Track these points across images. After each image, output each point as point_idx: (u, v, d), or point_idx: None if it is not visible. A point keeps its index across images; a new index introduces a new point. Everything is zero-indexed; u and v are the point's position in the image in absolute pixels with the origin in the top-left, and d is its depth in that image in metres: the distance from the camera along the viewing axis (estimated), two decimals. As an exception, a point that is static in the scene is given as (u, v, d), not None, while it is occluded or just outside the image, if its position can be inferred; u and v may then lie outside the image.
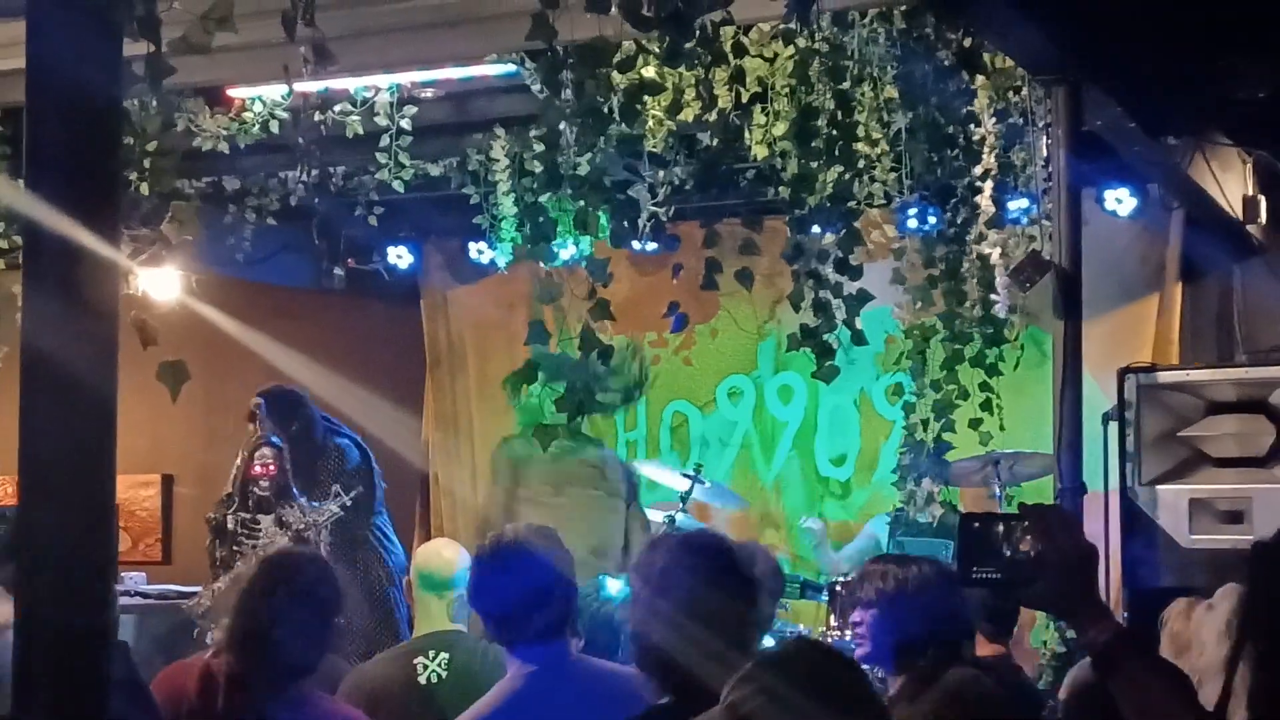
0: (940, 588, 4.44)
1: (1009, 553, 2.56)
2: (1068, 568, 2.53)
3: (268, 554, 4.69)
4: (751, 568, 3.63)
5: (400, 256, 9.89)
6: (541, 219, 4.75)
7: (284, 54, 4.77)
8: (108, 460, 2.77)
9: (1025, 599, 2.71)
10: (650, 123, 6.40)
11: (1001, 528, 2.58)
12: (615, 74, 5.13)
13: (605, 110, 4.92)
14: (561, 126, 5.09)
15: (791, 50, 6.05)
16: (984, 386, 6.51)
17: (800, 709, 2.64)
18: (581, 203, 5.03)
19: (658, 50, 5.32)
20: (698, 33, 4.56)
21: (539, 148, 6.17)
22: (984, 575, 2.59)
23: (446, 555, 5.77)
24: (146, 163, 4.62)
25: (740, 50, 5.80)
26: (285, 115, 7.25)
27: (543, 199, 5.64)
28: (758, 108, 6.48)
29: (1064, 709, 4.38)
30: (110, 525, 2.78)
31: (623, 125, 5.06)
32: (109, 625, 2.76)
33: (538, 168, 6.75)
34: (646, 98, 6.16)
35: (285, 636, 4.21)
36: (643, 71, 6.09)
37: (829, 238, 5.67)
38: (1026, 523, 2.57)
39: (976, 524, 2.61)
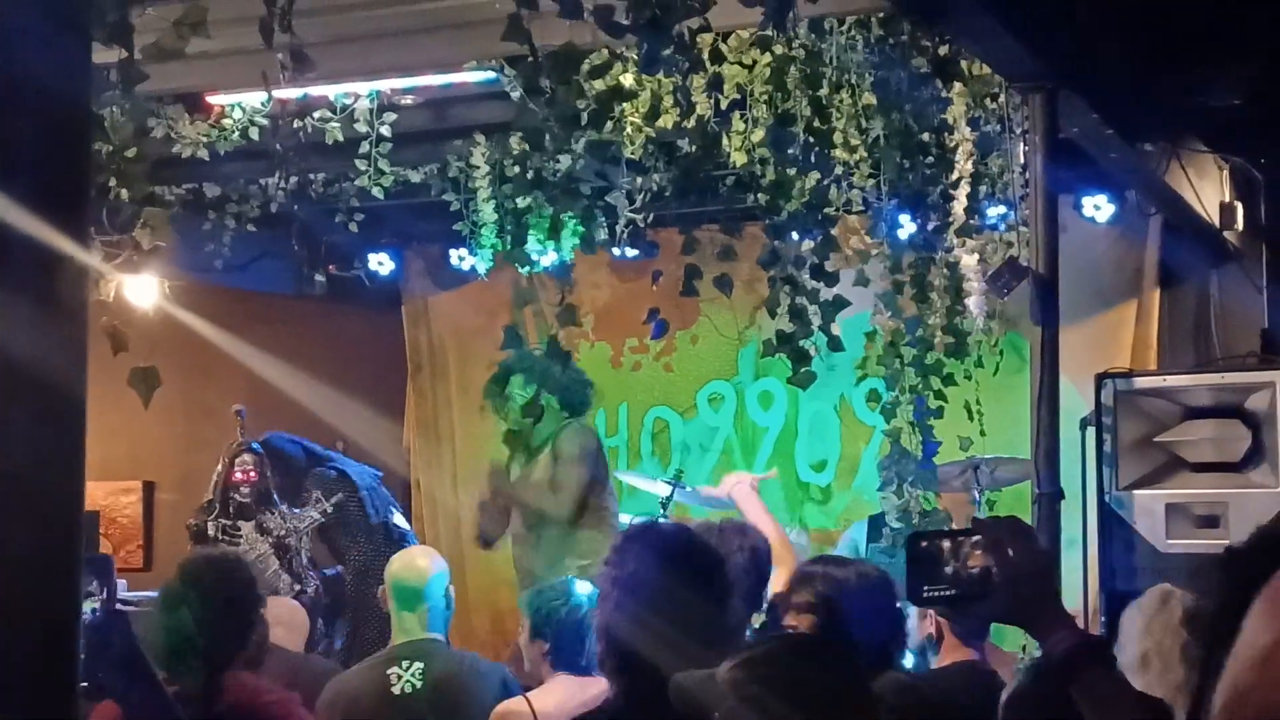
0: (877, 592, 4.46)
1: (960, 569, 2.55)
2: (1023, 579, 2.53)
3: (181, 561, 4.81)
4: (723, 556, 3.61)
5: (381, 263, 9.92)
6: (520, 222, 4.74)
7: (263, 61, 4.78)
8: (77, 464, 2.74)
9: (982, 612, 2.69)
10: (629, 129, 6.42)
11: (950, 544, 2.56)
12: (589, 80, 5.14)
13: (579, 116, 4.94)
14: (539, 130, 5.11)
15: (769, 58, 6.06)
16: (938, 395, 6.51)
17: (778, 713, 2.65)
18: (554, 208, 5.04)
19: (635, 57, 5.35)
20: (674, 40, 4.57)
21: (517, 151, 6.20)
22: (936, 593, 2.58)
23: (420, 565, 5.75)
24: (122, 167, 4.61)
25: (718, 57, 5.81)
26: (265, 122, 7.25)
27: (520, 203, 5.64)
28: (736, 114, 6.51)
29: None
30: (79, 529, 2.75)
31: (594, 131, 5.07)
32: (77, 629, 2.74)
33: (514, 173, 6.79)
34: (625, 104, 6.19)
35: (203, 636, 4.37)
36: (621, 78, 6.13)
37: (806, 244, 5.69)
38: (978, 537, 2.55)
39: (924, 543, 2.59)
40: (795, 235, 5.73)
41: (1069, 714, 2.53)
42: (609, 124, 5.78)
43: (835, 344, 5.63)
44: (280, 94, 6.20)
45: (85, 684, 3.64)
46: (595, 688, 5.21)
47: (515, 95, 6.30)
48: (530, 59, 4.70)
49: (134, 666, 3.91)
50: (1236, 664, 1.08)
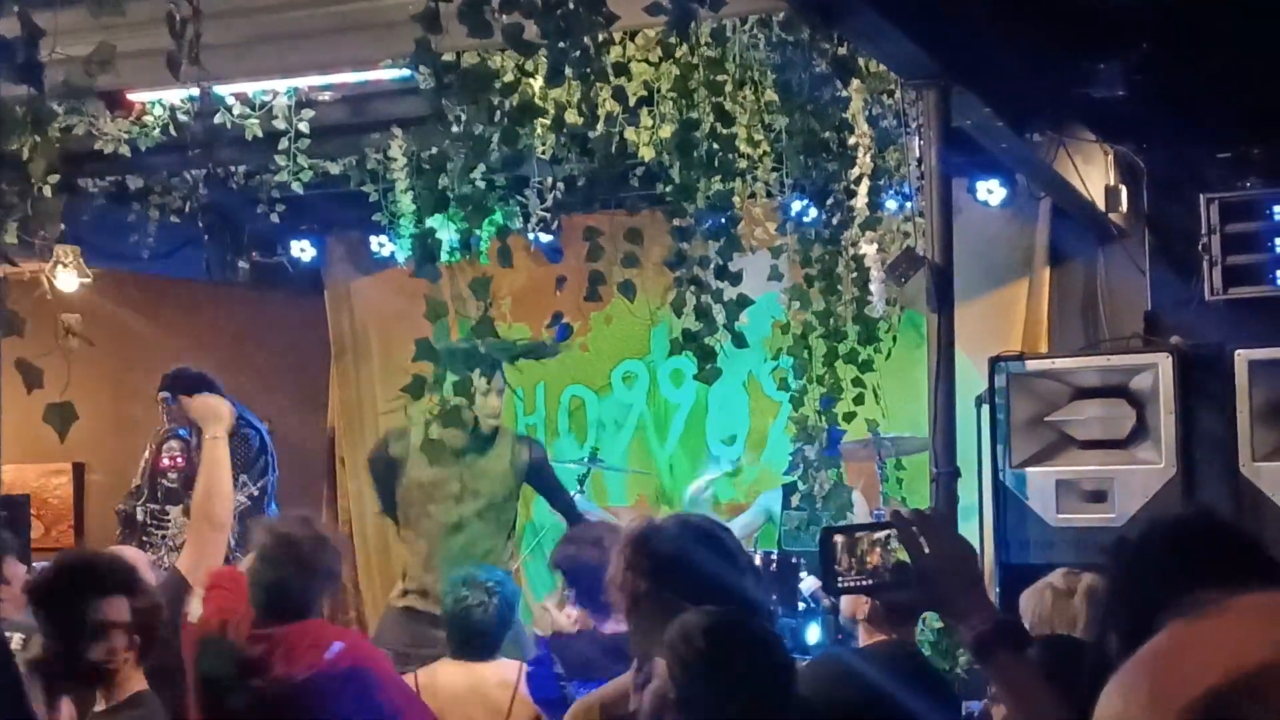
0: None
1: (874, 561, 2.66)
2: (938, 569, 2.63)
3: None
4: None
5: (304, 250, 10.03)
6: (429, 241, 4.85)
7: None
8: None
9: (898, 600, 2.84)
10: (539, 130, 6.58)
11: (863, 537, 2.67)
12: (500, 97, 5.25)
13: (488, 133, 5.02)
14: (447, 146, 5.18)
15: (673, 65, 6.21)
16: (857, 382, 6.75)
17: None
18: (465, 224, 5.15)
19: (542, 62, 5.45)
20: (580, 54, 4.70)
21: (426, 170, 6.31)
22: (851, 584, 2.69)
23: None
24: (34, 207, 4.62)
25: (622, 70, 5.97)
26: (185, 119, 7.38)
27: (429, 221, 5.73)
28: (644, 110, 6.68)
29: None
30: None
31: (505, 146, 5.18)
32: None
33: (423, 192, 6.92)
34: (532, 93, 6.32)
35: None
36: (530, 81, 6.27)
37: (710, 245, 5.83)
38: (891, 530, 2.65)
39: (837, 536, 2.70)
40: (700, 236, 5.84)
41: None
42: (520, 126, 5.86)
43: (739, 341, 5.78)
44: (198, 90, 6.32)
45: None
46: (486, 670, 5.52)
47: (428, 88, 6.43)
48: (436, 77, 4.83)
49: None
50: None
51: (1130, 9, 6.80)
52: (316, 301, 10.68)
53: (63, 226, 4.28)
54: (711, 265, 5.71)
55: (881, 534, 2.68)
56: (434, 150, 5.36)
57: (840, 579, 2.70)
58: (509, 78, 5.84)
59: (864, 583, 2.70)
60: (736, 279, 5.71)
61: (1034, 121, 7.05)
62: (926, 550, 2.63)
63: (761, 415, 9.63)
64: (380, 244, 9.43)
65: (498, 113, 5.08)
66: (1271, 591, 1.15)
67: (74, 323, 3.69)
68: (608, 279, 5.40)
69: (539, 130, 6.57)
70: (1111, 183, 7.85)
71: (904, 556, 2.65)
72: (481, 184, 5.19)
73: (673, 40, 6.08)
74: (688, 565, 3.57)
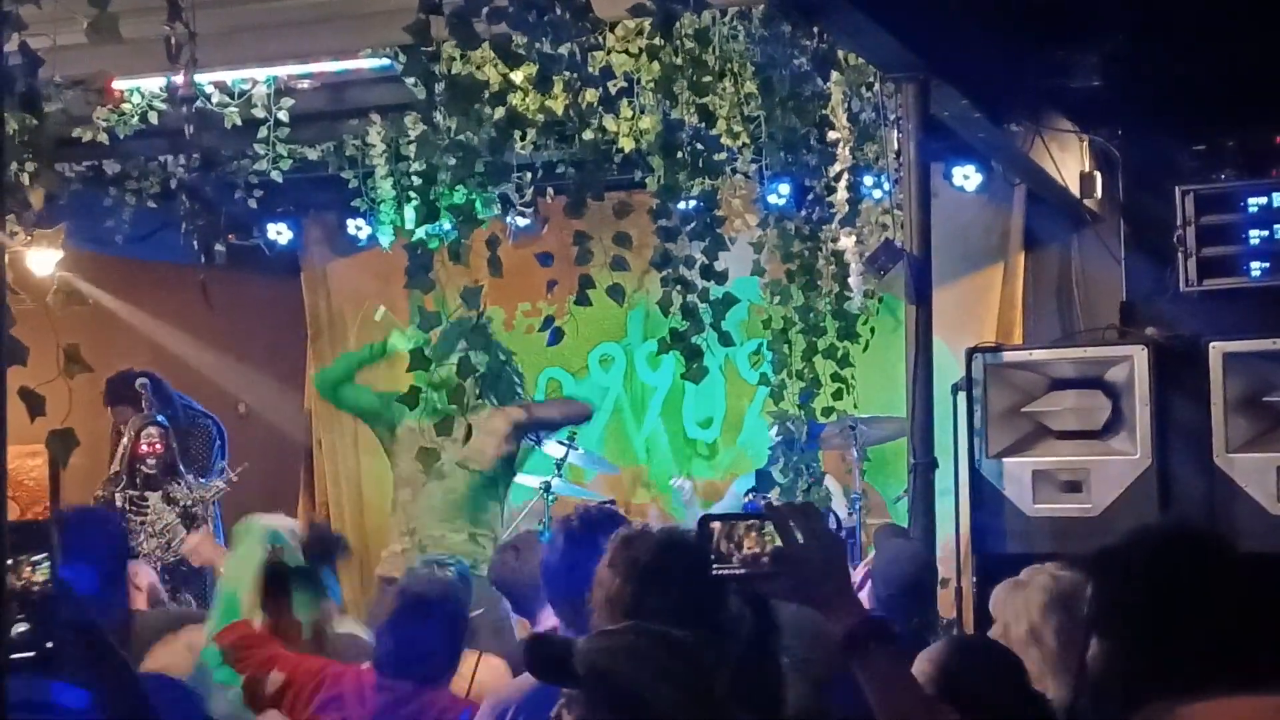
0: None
1: (747, 550, 2.75)
2: (809, 562, 2.72)
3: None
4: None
5: (280, 232, 9.98)
6: (420, 251, 4.84)
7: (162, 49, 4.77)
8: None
9: (771, 591, 2.93)
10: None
11: (739, 527, 2.77)
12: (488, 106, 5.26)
13: (477, 141, 5.02)
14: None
15: (657, 66, 6.22)
16: (835, 377, 6.81)
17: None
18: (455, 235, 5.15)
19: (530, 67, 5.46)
20: (567, 60, 4.73)
21: (418, 169, 6.31)
22: (725, 571, 2.78)
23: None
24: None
25: (607, 74, 5.98)
26: (164, 106, 7.35)
27: (419, 232, 5.71)
28: (625, 102, 6.68)
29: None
30: (3, 495, 2.64)
31: (494, 155, 5.18)
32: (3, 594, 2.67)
33: (413, 198, 6.90)
34: (516, 99, 6.33)
35: None
36: (514, 77, 6.27)
37: (696, 245, 5.85)
38: (767, 522, 2.75)
39: (715, 524, 2.79)
40: (685, 236, 5.85)
41: None
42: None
43: (726, 339, 5.82)
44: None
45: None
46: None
47: (410, 81, 6.43)
48: (427, 87, 4.85)
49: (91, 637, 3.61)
50: None
51: (1106, 1, 6.87)
52: (293, 283, 10.69)
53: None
54: (697, 265, 5.74)
55: (757, 524, 2.77)
56: (424, 164, 5.34)
57: (715, 567, 2.79)
58: (495, 79, 5.83)
59: (736, 571, 2.77)
60: (722, 278, 5.74)
61: (1011, 112, 7.12)
62: (798, 540, 2.71)
63: (738, 398, 9.67)
64: (357, 227, 9.42)
65: (488, 123, 5.08)
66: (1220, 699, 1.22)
67: (75, 352, 3.69)
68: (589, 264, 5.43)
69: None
70: (1086, 168, 7.93)
71: (775, 546, 2.72)
72: (469, 193, 5.20)
73: (656, 42, 6.09)
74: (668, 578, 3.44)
